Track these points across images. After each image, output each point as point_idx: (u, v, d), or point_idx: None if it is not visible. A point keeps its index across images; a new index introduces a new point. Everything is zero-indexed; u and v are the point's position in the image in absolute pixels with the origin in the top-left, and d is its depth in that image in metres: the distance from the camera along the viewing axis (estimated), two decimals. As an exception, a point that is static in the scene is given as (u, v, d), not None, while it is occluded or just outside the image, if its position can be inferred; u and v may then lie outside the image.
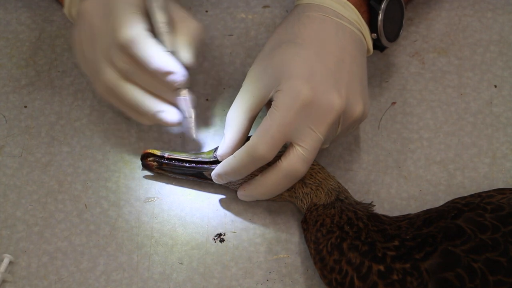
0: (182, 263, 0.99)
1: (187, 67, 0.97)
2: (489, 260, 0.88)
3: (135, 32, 0.94)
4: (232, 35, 1.11)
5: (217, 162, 0.99)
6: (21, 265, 0.99)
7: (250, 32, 1.12)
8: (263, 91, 0.95)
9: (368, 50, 1.01)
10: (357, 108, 0.96)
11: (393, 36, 1.03)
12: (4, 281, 0.98)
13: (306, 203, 0.97)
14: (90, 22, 0.98)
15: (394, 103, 1.08)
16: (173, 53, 0.96)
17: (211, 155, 0.99)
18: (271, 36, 0.99)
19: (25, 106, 1.07)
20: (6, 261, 0.98)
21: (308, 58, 0.95)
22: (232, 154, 0.97)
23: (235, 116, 0.97)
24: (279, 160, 0.95)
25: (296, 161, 0.94)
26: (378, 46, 1.03)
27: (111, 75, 0.97)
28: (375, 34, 1.01)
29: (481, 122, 1.06)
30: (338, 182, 0.99)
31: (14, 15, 1.12)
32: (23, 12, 1.12)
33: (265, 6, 1.13)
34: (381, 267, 0.90)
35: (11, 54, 1.10)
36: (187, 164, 1.00)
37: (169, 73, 0.95)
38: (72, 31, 1.01)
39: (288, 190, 0.98)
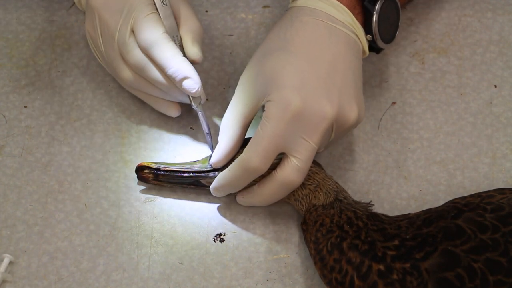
0: (182, 263, 0.99)
1: (195, 62, 0.99)
2: (489, 260, 0.88)
3: (155, 36, 0.97)
4: (232, 35, 1.11)
5: (213, 170, 0.99)
6: (21, 265, 0.99)
7: (250, 32, 1.12)
8: (254, 99, 0.96)
9: (364, 52, 1.00)
10: (352, 115, 0.96)
11: (389, 37, 1.03)
12: (4, 281, 0.98)
13: (305, 204, 0.97)
14: (102, 19, 1.00)
15: (394, 103, 1.08)
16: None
17: (206, 164, 0.99)
18: (264, 41, 0.99)
19: (25, 106, 1.07)
20: (6, 261, 0.98)
21: (300, 67, 0.95)
22: (225, 161, 0.98)
23: (229, 124, 0.97)
24: (275, 171, 0.96)
25: (291, 172, 0.94)
26: (374, 48, 1.02)
27: (129, 74, 1.00)
28: (370, 36, 1.00)
29: (481, 122, 1.06)
30: (336, 183, 0.99)
31: (14, 15, 1.12)
32: (23, 12, 1.12)
33: (265, 6, 1.13)
34: (381, 267, 0.90)
35: (11, 54, 1.10)
36: (184, 174, 1.00)
37: (185, 78, 0.97)
38: (85, 24, 1.04)
39: None
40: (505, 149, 1.05)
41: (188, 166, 1.00)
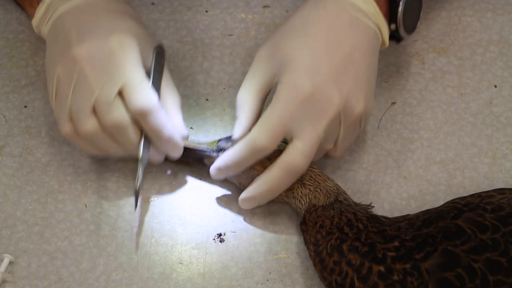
0: (182, 263, 0.99)
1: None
2: (489, 260, 0.88)
3: (151, 104, 0.95)
4: (232, 35, 1.12)
5: (218, 150, 0.98)
6: (21, 265, 0.99)
7: (250, 32, 1.12)
8: (269, 76, 0.97)
9: (383, 43, 1.01)
10: (358, 106, 0.96)
11: (411, 27, 1.04)
12: (4, 281, 0.98)
13: (305, 204, 0.97)
14: (83, 71, 0.95)
15: (394, 103, 1.08)
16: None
17: (213, 146, 0.99)
18: (286, 21, 0.99)
19: (25, 106, 1.07)
20: (6, 261, 0.98)
21: (316, 52, 0.95)
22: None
23: (247, 98, 0.98)
24: (280, 157, 0.96)
25: (296, 155, 0.95)
26: (395, 36, 1.03)
27: (93, 126, 0.96)
28: (394, 25, 1.01)
29: (481, 122, 1.06)
30: (337, 184, 0.99)
31: (14, 15, 1.12)
32: (23, 12, 1.12)
33: (265, 6, 1.13)
34: (382, 268, 0.90)
35: (11, 54, 1.10)
36: (188, 147, 0.99)
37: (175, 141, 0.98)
38: (50, 63, 0.98)
39: (286, 190, 0.98)
40: (505, 149, 1.05)
41: (195, 145, 1.00)
